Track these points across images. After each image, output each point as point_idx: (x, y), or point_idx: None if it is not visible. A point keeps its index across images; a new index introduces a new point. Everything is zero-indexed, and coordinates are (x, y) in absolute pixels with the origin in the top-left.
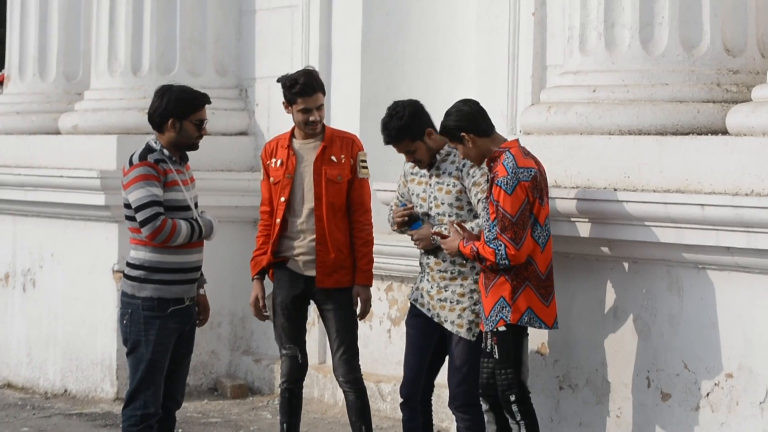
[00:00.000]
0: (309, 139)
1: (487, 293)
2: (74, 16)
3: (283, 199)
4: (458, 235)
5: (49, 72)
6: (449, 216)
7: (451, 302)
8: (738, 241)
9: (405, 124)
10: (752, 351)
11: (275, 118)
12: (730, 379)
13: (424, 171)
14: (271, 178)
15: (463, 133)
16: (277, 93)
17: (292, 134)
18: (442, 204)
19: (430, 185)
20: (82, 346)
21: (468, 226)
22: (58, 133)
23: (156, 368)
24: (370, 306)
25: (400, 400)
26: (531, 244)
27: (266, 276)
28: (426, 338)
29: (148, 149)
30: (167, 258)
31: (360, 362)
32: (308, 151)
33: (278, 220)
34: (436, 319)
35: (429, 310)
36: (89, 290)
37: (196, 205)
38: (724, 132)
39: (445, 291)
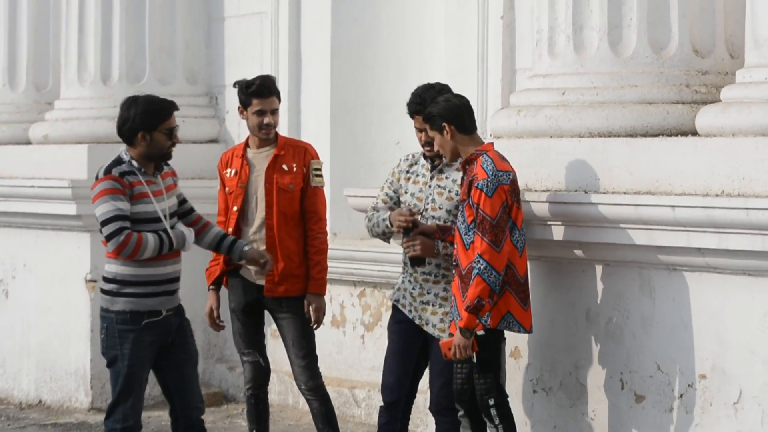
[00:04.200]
0: (263, 147)
1: (464, 297)
2: (43, 25)
3: (235, 208)
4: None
5: (18, 82)
6: (443, 221)
7: (433, 305)
8: (709, 241)
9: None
10: (725, 352)
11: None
12: (704, 380)
13: (424, 172)
14: (227, 188)
15: (444, 123)
16: None
17: (246, 144)
18: (440, 209)
19: (430, 186)
20: (55, 356)
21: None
22: (28, 143)
23: (133, 381)
24: (324, 315)
25: (380, 404)
26: (510, 248)
27: (221, 286)
28: (409, 344)
29: (116, 162)
30: (139, 271)
31: (333, 368)
32: (261, 160)
33: (230, 229)
34: (417, 321)
35: (411, 311)
36: (62, 300)
37: (173, 215)
38: (694, 133)
39: (428, 294)
